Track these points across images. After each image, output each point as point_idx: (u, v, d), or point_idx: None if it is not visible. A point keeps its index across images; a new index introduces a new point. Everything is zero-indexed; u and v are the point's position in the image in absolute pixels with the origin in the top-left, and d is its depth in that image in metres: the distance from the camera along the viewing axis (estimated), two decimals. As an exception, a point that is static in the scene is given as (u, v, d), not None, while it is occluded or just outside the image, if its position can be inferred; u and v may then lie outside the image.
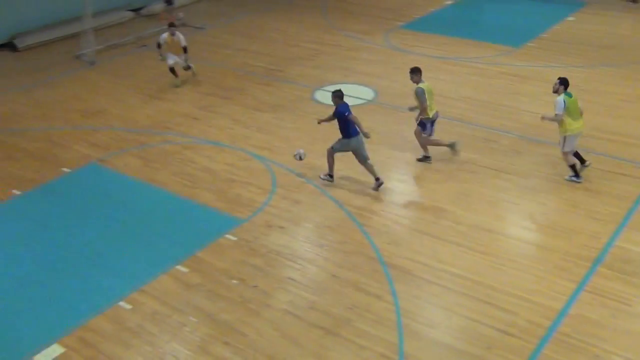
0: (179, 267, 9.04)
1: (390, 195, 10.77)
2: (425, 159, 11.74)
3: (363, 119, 13.20)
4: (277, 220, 10.09)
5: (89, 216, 10.37)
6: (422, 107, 11.23)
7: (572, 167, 10.85)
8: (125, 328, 7.97)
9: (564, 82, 10.58)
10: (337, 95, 10.76)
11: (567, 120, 10.50)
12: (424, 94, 11.14)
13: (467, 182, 11.00)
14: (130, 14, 21.15)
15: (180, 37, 15.10)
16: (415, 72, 11.35)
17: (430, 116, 11.34)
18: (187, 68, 15.48)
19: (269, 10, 21.94)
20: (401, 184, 11.11)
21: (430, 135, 11.56)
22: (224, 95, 14.80)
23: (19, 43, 18.46)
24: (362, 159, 10.77)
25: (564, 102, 10.44)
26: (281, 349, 7.58)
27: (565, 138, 10.64)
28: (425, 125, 11.39)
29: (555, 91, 10.67)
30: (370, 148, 12.05)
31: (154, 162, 11.95)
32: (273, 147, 12.36)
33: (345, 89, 14.69)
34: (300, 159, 11.18)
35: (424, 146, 11.69)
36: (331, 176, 11.03)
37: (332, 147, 10.86)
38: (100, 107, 14.37)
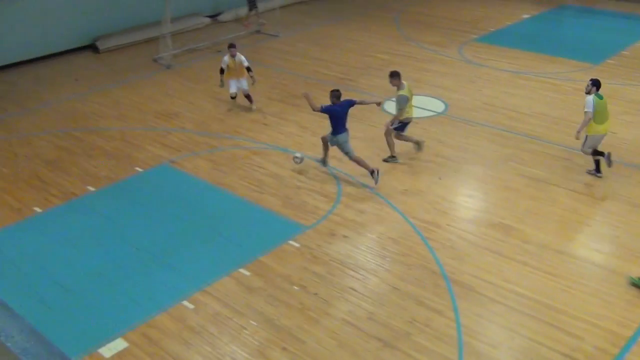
0: (242, 270, 9.15)
1: (457, 210, 10.61)
2: (391, 158, 12.09)
3: (432, 131, 13.17)
4: (341, 229, 10.09)
5: (157, 215, 10.63)
6: (398, 114, 11.64)
7: (597, 162, 11.17)
8: (187, 327, 8.11)
9: (596, 84, 10.90)
10: (335, 95, 11.32)
11: (592, 122, 10.83)
12: (407, 102, 11.50)
13: (537, 200, 10.73)
14: (207, 20, 21.65)
15: (242, 58, 14.16)
16: (395, 76, 11.61)
17: (407, 118, 11.84)
18: (248, 97, 14.48)
19: (343, 20, 22.04)
20: (469, 199, 10.93)
21: (399, 134, 12.02)
22: (294, 102, 14.93)
23: (101, 45, 19.16)
24: (346, 155, 11.36)
25: (593, 102, 10.73)
26: (338, 359, 7.56)
27: (587, 137, 10.99)
28: (399, 124, 11.84)
29: (588, 92, 10.95)
30: (439, 161, 11.97)
31: (223, 165, 12.15)
32: (340, 155, 12.34)
33: (416, 100, 14.62)
34: (299, 161, 11.74)
35: (391, 145, 12.03)
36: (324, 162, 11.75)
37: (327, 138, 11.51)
38: (174, 110, 14.74)
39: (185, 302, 8.54)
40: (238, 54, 14.19)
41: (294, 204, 10.80)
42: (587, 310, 8.23)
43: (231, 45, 14.26)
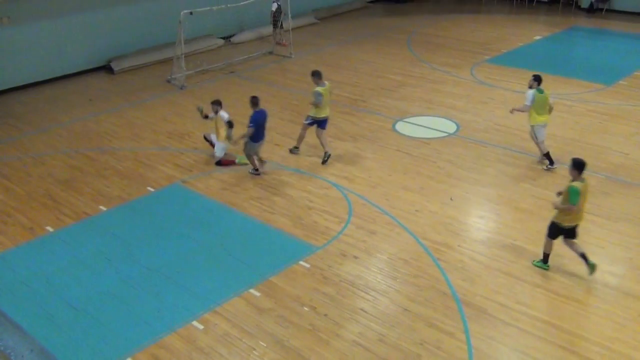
0: (252, 290, 9.13)
1: (469, 231, 10.56)
2: (295, 149, 13.31)
3: (444, 152, 13.16)
4: (352, 249, 10.06)
5: (168, 235, 10.66)
6: (314, 105, 12.63)
7: (547, 155, 12.31)
8: (197, 348, 8.09)
9: (537, 79, 12.07)
10: (254, 102, 12.11)
11: (533, 113, 12.06)
12: (320, 96, 12.51)
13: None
14: (221, 42, 21.84)
15: (223, 115, 12.87)
16: (315, 74, 12.77)
17: (320, 117, 12.78)
18: (218, 163, 13.01)
19: (355, 41, 22.16)
20: (481, 220, 10.87)
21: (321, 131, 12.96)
22: (306, 123, 14.98)
23: (115, 66, 19.37)
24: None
25: (533, 95, 11.93)
26: (348, 381, 7.50)
27: (532, 127, 12.25)
28: (311, 121, 12.86)
29: (530, 86, 12.08)
30: (451, 182, 11.95)
31: (234, 185, 12.18)
32: (352, 176, 12.38)
33: (428, 121, 14.66)
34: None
35: (300, 138, 13.19)
36: (257, 170, 12.46)
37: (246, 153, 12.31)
38: (186, 130, 14.83)
39: (195, 323, 8.52)
40: (221, 111, 12.89)
41: (304, 224, 10.79)
42: (600, 333, 8.14)
43: (214, 102, 12.96)
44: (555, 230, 9.25)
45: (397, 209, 11.16)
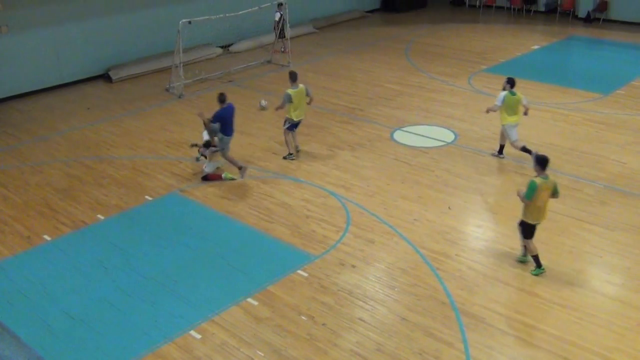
0: (249, 299, 9.11)
1: (467, 240, 10.55)
2: (289, 156, 13.57)
3: (442, 161, 13.18)
4: (350, 258, 10.05)
5: (166, 244, 10.64)
6: (281, 106, 13.23)
7: (523, 148, 12.73)
8: (194, 357, 8.06)
9: (510, 82, 12.70)
10: (220, 99, 12.44)
11: (503, 113, 12.63)
12: (288, 100, 12.99)
13: (547, 230, 10.64)
14: (219, 50, 21.88)
15: (204, 136, 12.87)
16: (290, 76, 13.33)
17: (294, 119, 13.19)
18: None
19: (353, 50, 22.21)
20: (478, 229, 10.87)
21: (291, 134, 13.50)
22: (304, 132, 14.97)
23: (114, 75, 19.39)
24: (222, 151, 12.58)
25: (504, 97, 12.54)
26: (346, 390, 7.47)
27: (503, 127, 12.80)
28: (289, 124, 13.31)
29: (503, 88, 12.72)
30: (448, 191, 11.95)
31: (232, 194, 12.18)
32: (350, 185, 12.39)
33: (426, 130, 14.67)
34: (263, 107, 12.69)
35: (288, 143, 13.58)
36: (241, 167, 12.55)
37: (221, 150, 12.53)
38: (184, 139, 14.82)
39: (192, 332, 8.50)
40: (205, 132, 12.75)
41: (302, 233, 10.78)
42: (599, 342, 8.12)
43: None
44: (527, 229, 9.44)
45: (395, 218, 11.16)
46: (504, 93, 12.66)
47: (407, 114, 16.03)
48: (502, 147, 13.28)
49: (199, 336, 8.42)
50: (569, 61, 21.52)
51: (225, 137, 12.49)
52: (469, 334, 8.32)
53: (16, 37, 17.66)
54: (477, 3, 28.51)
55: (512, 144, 12.89)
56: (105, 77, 19.59)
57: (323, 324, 8.58)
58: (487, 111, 13.22)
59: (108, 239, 10.81)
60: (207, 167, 12.64)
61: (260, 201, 11.89)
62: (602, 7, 25.15)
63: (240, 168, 12.54)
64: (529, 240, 9.48)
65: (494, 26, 25.48)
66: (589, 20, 25.28)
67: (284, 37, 21.03)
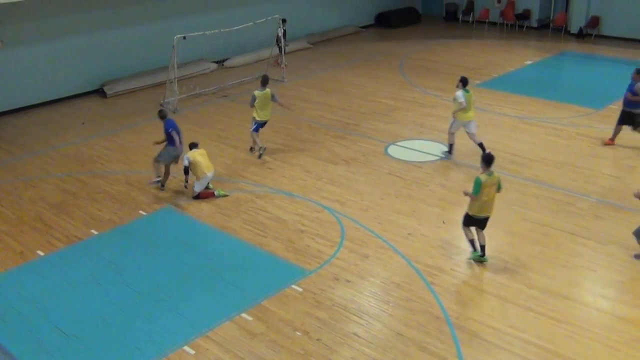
0: (244, 315, 9.08)
1: (461, 255, 10.56)
2: (253, 150, 14.63)
3: (436, 176, 13.21)
4: (345, 273, 10.04)
5: (160, 259, 10.61)
6: (250, 106, 14.28)
7: (451, 146, 14.17)
8: (188, 373, 8.02)
9: (463, 80, 13.46)
10: (162, 114, 13.01)
11: (460, 111, 13.46)
12: (253, 100, 14.03)
13: (541, 244, 10.68)
14: (214, 66, 21.94)
15: (185, 160, 12.47)
16: (261, 80, 14.37)
17: (257, 118, 14.19)
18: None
19: (347, 65, 22.31)
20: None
21: (256, 133, 14.44)
22: (299, 146, 15.03)
23: (108, 90, 19.42)
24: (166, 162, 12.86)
25: (464, 95, 13.32)
26: (341, 406, 7.43)
27: (455, 120, 13.75)
28: (255, 125, 14.31)
29: (457, 87, 13.47)
30: (443, 206, 11.97)
31: (226, 209, 12.17)
32: (344, 199, 12.39)
33: (420, 145, 14.71)
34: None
35: (254, 142, 14.54)
36: (159, 181, 12.90)
37: (157, 158, 12.83)
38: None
39: (186, 348, 8.45)
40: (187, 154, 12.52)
41: (297, 248, 10.77)
42: (592, 357, 8.12)
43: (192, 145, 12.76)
44: (467, 219, 10.10)
45: (390, 233, 11.16)
46: (461, 92, 13.39)
47: (401, 128, 16.09)
48: (480, 145, 13.82)
49: (192, 352, 8.38)
50: (561, 76, 21.66)
51: (170, 147, 12.74)
52: (463, 349, 8.30)
53: (11, 52, 17.67)
54: (471, 19, 28.70)
55: (450, 134, 14.06)
56: (99, 92, 19.60)
57: (318, 340, 8.55)
58: (454, 114, 13.73)
59: (102, 254, 10.77)
60: (197, 187, 12.60)
61: (255, 216, 11.88)
62: (594, 23, 25.36)
63: (158, 181, 12.99)
64: (466, 228, 10.17)
65: (487, 42, 25.64)
66: (581, 35, 25.47)
67: (284, 52, 21.38)
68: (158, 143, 13.14)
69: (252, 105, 14.19)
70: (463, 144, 14.87)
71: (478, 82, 19.88)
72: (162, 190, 12.97)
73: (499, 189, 9.97)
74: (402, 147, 14.93)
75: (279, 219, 11.76)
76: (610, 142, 14.57)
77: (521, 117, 16.64)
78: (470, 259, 10.26)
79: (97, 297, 9.62)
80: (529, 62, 22.20)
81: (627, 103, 14.18)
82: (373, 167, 13.81)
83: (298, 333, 8.69)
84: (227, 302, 9.39)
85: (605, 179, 12.98)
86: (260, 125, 14.39)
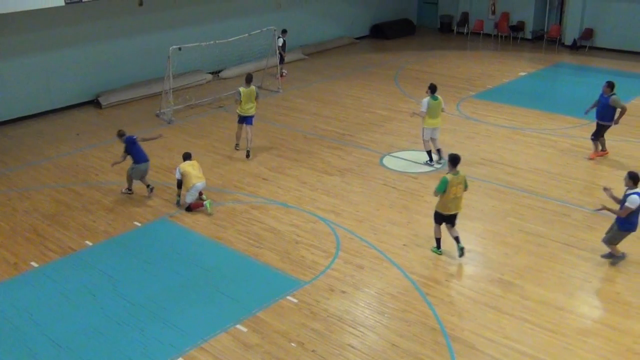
0: (238, 326, 9.05)
1: (456, 266, 10.55)
2: (237, 147, 15.56)
3: (431, 187, 13.18)
4: (340, 284, 10.02)
5: (154, 270, 10.57)
6: (235, 102, 15.19)
7: (429, 153, 14.33)
8: (182, 385, 7.98)
9: (431, 87, 13.99)
10: (120, 134, 13.15)
11: (426, 117, 13.89)
12: (238, 95, 14.93)
13: (536, 255, 10.69)
14: (209, 77, 21.97)
15: (177, 173, 12.56)
16: (245, 78, 15.14)
17: (239, 113, 15.08)
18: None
19: (343, 77, 22.36)
20: (468, 254, 10.85)
21: (239, 125, 15.24)
22: (294, 157, 15.03)
23: (103, 101, 19.40)
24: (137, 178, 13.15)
25: (428, 102, 13.80)
26: (336, 418, 7.40)
27: (424, 129, 14.10)
28: (238, 118, 15.16)
29: (426, 92, 14.00)
30: (437, 216, 11.96)
31: (222, 220, 12.15)
32: (339, 210, 12.39)
33: (415, 155, 14.74)
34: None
35: (237, 137, 15.49)
36: (130, 189, 13.32)
37: (130, 173, 13.11)
38: (173, 165, 14.77)
39: (181, 359, 8.41)
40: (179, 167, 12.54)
41: (292, 259, 10.75)
42: (589, 368, 8.11)
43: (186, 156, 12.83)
44: (437, 217, 10.65)
45: (385, 243, 11.16)
46: (426, 99, 13.88)
47: (396, 139, 16.11)
48: (438, 150, 14.34)
49: (187, 363, 8.35)
50: (555, 88, 21.75)
51: (136, 165, 12.95)
52: (459, 360, 8.30)
53: (6, 63, 17.67)
54: (465, 30, 28.84)
55: (424, 142, 14.30)
56: (95, 102, 19.59)
57: (313, 351, 8.52)
58: (412, 115, 14.58)
59: (96, 266, 10.73)
60: (187, 198, 12.57)
61: (250, 227, 11.86)
62: (588, 35, 25.52)
63: (128, 189, 13.27)
64: (436, 224, 10.73)
65: (482, 53, 25.76)
66: (575, 47, 25.61)
67: (283, 61, 21.81)
68: (116, 163, 13.32)
69: (237, 101, 15.01)
70: (463, 155, 14.69)
71: (472, 93, 19.95)
72: (131, 192, 13.31)
73: (465, 187, 10.56)
74: (397, 157, 14.95)
75: (274, 229, 11.74)
76: (603, 153, 14.64)
77: (515, 128, 16.70)
78: (432, 249, 10.89)
79: (91, 308, 9.58)
80: (523, 74, 22.30)
81: (600, 116, 14.36)
82: (368, 178, 13.82)
83: (293, 344, 8.66)
84: (221, 313, 9.36)
85: (600, 190, 12.97)
86: (243, 118, 15.12)
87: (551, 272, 10.22)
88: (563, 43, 26.29)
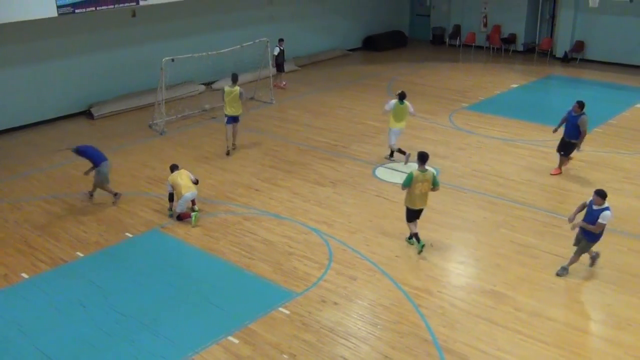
0: (230, 337, 9.01)
1: (449, 277, 10.55)
2: (228, 146, 16.06)
3: (423, 198, 13.21)
4: (332, 296, 9.99)
5: (146, 281, 10.53)
6: (223, 99, 15.75)
7: (391, 152, 15.36)
8: (173, 397, 7.92)
9: (400, 94, 14.82)
10: (73, 150, 13.51)
11: (391, 119, 14.85)
12: (223, 93, 15.63)
13: (528, 267, 10.70)
14: (202, 88, 21.98)
15: (169, 187, 12.67)
16: (232, 77, 15.68)
17: (227, 113, 15.64)
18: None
19: (336, 88, 22.42)
20: (460, 266, 10.88)
21: (228, 129, 15.90)
22: (286, 168, 15.03)
23: (95, 112, 19.37)
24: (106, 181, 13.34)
25: (394, 105, 14.72)
26: None
27: (390, 130, 15.02)
28: (226, 119, 15.77)
29: (396, 96, 14.91)
30: (430, 227, 11.97)
31: (214, 231, 12.12)
32: (332, 221, 12.38)
33: (408, 167, 14.77)
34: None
35: (227, 138, 15.97)
36: (92, 195, 13.62)
37: (99, 185, 13.35)
38: (166, 176, 14.73)
39: (172, 371, 8.37)
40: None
41: (284, 270, 10.72)
42: (581, 380, 8.10)
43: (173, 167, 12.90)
44: (408, 213, 11.26)
45: (378, 255, 11.15)
46: (393, 101, 14.83)
47: (388, 151, 16.12)
48: (392, 153, 15.35)
49: (178, 375, 8.29)
50: (547, 99, 21.85)
51: (97, 168, 13.15)
52: (451, 372, 8.27)
53: (-2, 73, 17.65)
54: (457, 43, 29.00)
55: (390, 145, 15.18)
56: (87, 113, 19.56)
57: (305, 363, 8.49)
58: (383, 113, 15.24)
59: (87, 277, 10.67)
60: (178, 207, 12.55)
61: (242, 238, 11.83)
62: (579, 47, 25.71)
63: (115, 194, 13.36)
64: (409, 223, 11.25)
65: (474, 65, 25.90)
66: (566, 60, 25.79)
67: (283, 71, 22.19)
68: (87, 173, 13.37)
69: (224, 99, 15.62)
70: (454, 166, 14.96)
71: (465, 104, 20.03)
72: (117, 198, 13.40)
73: (434, 185, 11.06)
74: (390, 169, 14.97)
75: (266, 241, 11.72)
76: (558, 171, 14.51)
77: (507, 140, 16.76)
78: (406, 240, 11.47)
79: (82, 320, 9.51)
80: (515, 86, 22.42)
81: (568, 134, 14.13)
82: (361, 189, 13.82)
83: (285, 356, 8.63)
84: (213, 325, 9.32)
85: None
86: (231, 119, 15.64)
87: (543, 283, 10.23)
88: (554, 55, 26.47)
